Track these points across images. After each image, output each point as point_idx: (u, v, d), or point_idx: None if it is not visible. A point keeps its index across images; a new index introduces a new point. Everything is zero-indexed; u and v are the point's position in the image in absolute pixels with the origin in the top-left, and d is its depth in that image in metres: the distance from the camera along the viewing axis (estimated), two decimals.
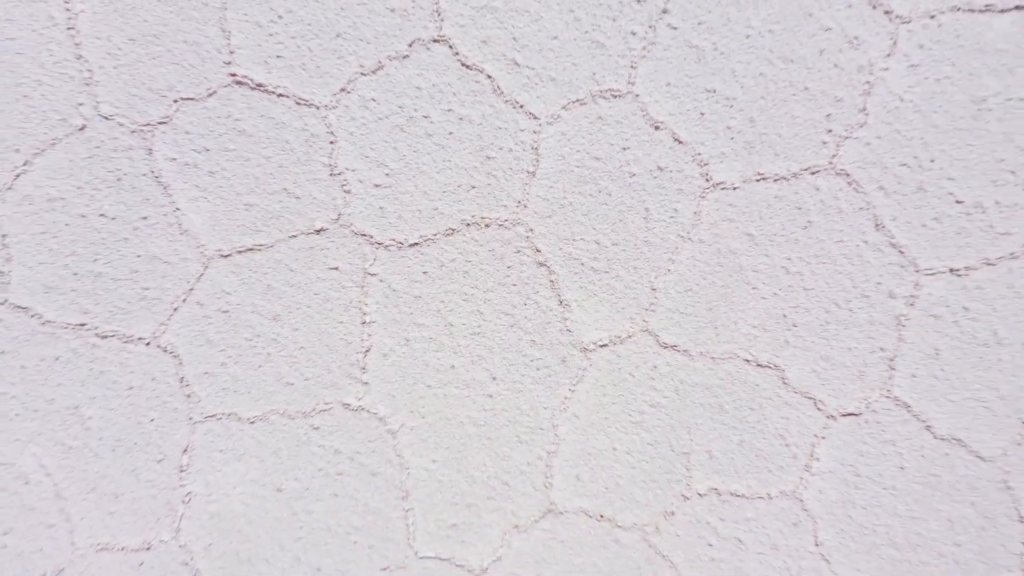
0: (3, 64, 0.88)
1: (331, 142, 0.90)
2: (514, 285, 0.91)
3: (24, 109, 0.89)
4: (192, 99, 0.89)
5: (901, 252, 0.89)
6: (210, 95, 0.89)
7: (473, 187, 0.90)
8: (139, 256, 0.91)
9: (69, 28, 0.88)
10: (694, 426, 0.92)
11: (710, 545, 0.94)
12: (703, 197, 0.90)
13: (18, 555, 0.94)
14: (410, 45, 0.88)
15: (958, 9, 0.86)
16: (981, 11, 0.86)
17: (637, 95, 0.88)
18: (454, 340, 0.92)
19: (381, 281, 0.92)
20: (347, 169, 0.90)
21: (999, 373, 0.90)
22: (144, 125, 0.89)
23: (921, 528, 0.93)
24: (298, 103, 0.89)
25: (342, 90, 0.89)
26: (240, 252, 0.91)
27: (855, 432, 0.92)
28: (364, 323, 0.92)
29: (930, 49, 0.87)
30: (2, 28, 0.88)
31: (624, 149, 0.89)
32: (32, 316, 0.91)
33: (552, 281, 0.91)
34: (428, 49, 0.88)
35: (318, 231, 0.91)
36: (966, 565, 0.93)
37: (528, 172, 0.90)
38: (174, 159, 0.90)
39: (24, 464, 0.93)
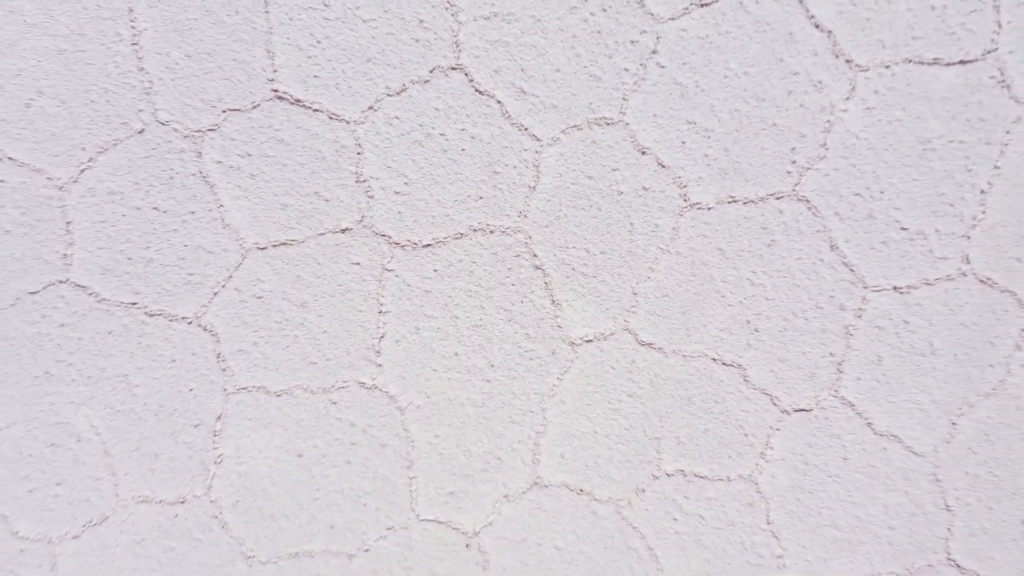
0: (74, 73, 1.01)
1: (358, 153, 1.03)
2: (513, 285, 1.04)
3: (91, 113, 1.02)
4: (238, 110, 1.02)
5: (852, 270, 1.02)
6: (254, 107, 1.02)
7: (480, 197, 1.03)
8: (186, 246, 1.04)
9: (133, 44, 1.01)
10: (665, 415, 1.06)
11: (675, 519, 1.07)
12: (681, 215, 1.02)
13: (68, 503, 1.07)
14: (431, 71, 1.01)
15: (910, 61, 0.99)
16: (929, 64, 0.99)
17: (627, 124, 1.01)
18: (458, 331, 1.05)
19: (397, 276, 1.04)
20: (371, 177, 1.03)
21: (933, 379, 1.03)
22: (195, 131, 1.02)
23: (860, 512, 1.06)
24: (331, 118, 1.02)
25: (370, 108, 1.02)
26: (275, 246, 1.04)
27: (805, 426, 1.05)
28: (380, 312, 1.05)
29: (884, 95, 0.99)
30: (75, 42, 1.01)
31: (614, 170, 1.02)
32: (90, 294, 1.04)
33: (546, 283, 1.04)
34: (446, 76, 1.01)
35: (343, 230, 1.04)
36: (898, 546, 1.06)
37: (529, 187, 1.03)
38: (220, 162, 1.02)
39: (77, 424, 1.06)
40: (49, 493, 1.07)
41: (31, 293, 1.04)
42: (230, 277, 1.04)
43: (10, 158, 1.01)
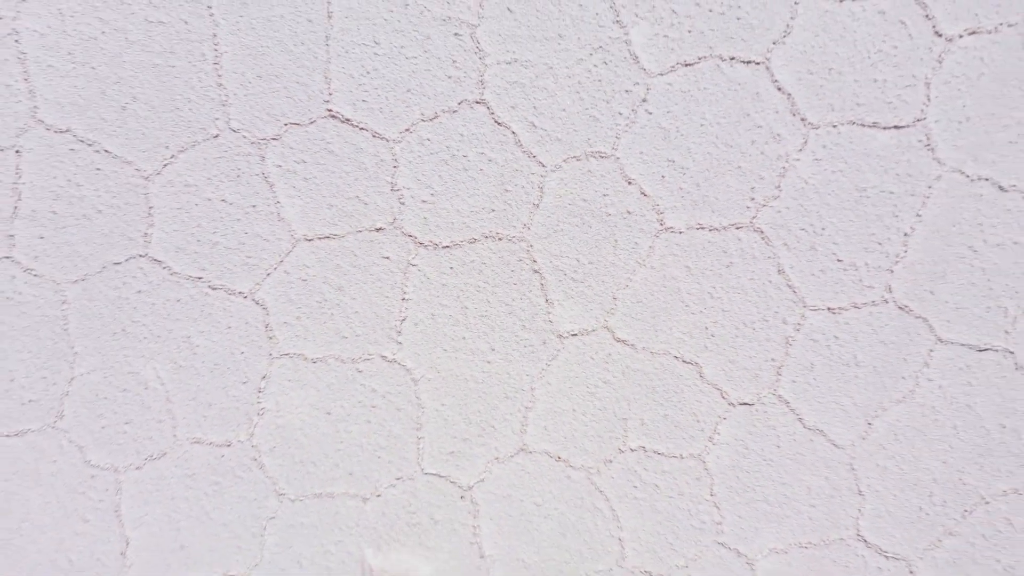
0: (164, 84, 1.22)
1: (394, 166, 1.24)
2: (514, 284, 1.26)
3: (176, 118, 1.23)
4: (297, 124, 1.23)
5: (794, 291, 1.24)
6: (311, 123, 1.23)
7: (493, 210, 1.24)
8: (246, 233, 1.25)
9: (215, 63, 1.22)
10: (632, 400, 1.27)
11: (635, 487, 1.29)
12: (657, 236, 1.24)
13: (134, 439, 1.29)
14: (459, 104, 1.22)
15: (853, 123, 1.20)
16: (869, 126, 1.20)
17: (618, 158, 1.22)
18: (467, 319, 1.27)
19: (419, 270, 1.26)
20: (403, 187, 1.24)
21: (855, 386, 1.25)
22: (261, 139, 1.23)
23: (787, 491, 1.28)
24: (373, 136, 1.23)
25: (406, 130, 1.23)
26: (320, 238, 1.25)
27: (748, 417, 1.27)
28: (403, 299, 1.26)
29: (830, 149, 1.20)
30: (167, 58, 1.21)
31: (604, 195, 1.23)
32: (164, 268, 1.25)
33: (542, 284, 1.26)
34: (472, 108, 1.22)
35: (377, 229, 1.25)
36: (816, 521, 1.28)
37: (534, 204, 1.24)
38: (280, 166, 1.24)
39: (146, 374, 1.27)
40: (119, 430, 1.28)
41: (115, 264, 1.25)
42: (281, 262, 1.25)
43: (106, 151, 1.22)
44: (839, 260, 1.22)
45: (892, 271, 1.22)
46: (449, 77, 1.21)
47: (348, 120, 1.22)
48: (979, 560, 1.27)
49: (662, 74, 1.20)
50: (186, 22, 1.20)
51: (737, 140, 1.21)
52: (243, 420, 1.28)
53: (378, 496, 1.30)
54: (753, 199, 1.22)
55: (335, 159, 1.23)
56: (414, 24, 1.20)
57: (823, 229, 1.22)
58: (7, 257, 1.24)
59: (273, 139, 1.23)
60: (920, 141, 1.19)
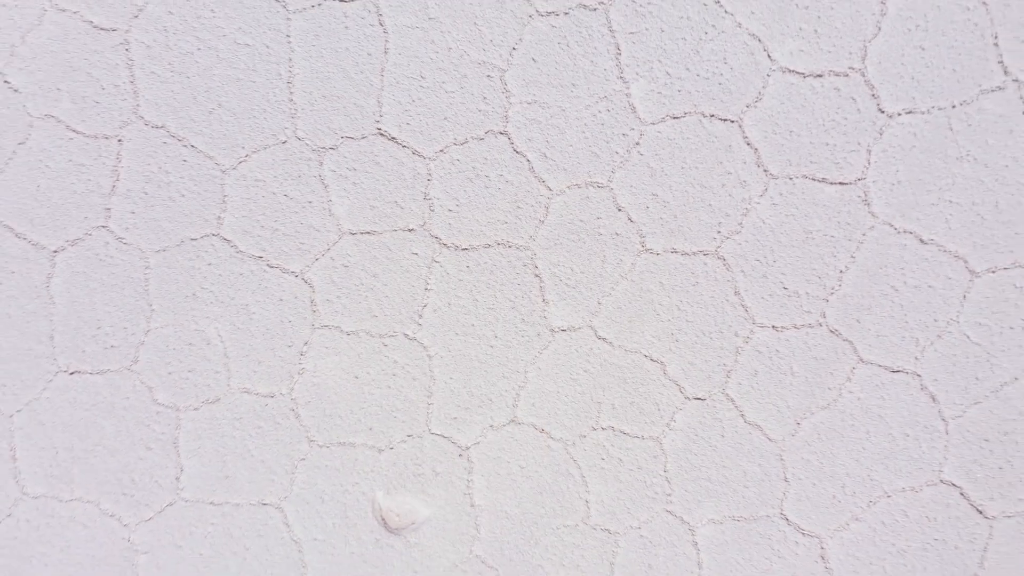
0: (245, 95, 1.48)
1: (428, 180, 1.50)
2: (518, 285, 1.52)
3: (252, 125, 1.49)
4: (352, 138, 1.49)
5: (746, 310, 1.51)
6: (363, 138, 1.49)
7: (505, 223, 1.51)
8: (302, 224, 1.51)
9: (288, 82, 1.48)
10: (607, 388, 1.55)
11: (602, 459, 1.56)
12: (638, 256, 1.51)
13: (194, 385, 1.56)
14: (485, 133, 1.48)
15: (806, 177, 1.46)
16: (819, 181, 1.46)
17: (611, 188, 1.49)
18: (477, 309, 1.54)
19: (441, 267, 1.53)
20: (434, 197, 1.51)
21: (789, 391, 1.52)
22: (321, 148, 1.49)
23: (727, 473, 1.55)
24: (413, 153, 1.49)
25: (440, 151, 1.49)
26: (362, 233, 1.52)
27: (699, 409, 1.54)
28: (426, 289, 1.53)
29: (786, 196, 1.47)
30: (248, 74, 1.47)
31: (598, 218, 1.50)
32: (231, 246, 1.52)
33: (541, 287, 1.52)
34: (496, 137, 1.48)
35: (410, 230, 1.51)
36: (748, 500, 1.56)
37: (539, 220, 1.51)
38: (334, 171, 1.50)
39: (209, 333, 1.54)
40: (182, 376, 1.55)
41: (192, 239, 1.51)
42: (328, 249, 1.52)
43: (192, 146, 1.49)
44: (785, 288, 1.49)
45: (827, 300, 1.49)
46: (479, 110, 1.48)
47: (394, 138, 1.49)
48: (878, 543, 1.55)
49: (654, 123, 1.46)
50: (268, 46, 1.46)
51: (710, 183, 1.47)
52: (285, 377, 1.55)
53: (391, 449, 1.57)
54: (719, 232, 1.49)
55: (380, 169, 1.50)
56: (455, 64, 1.46)
57: (774, 261, 1.49)
58: (103, 227, 1.50)
59: (331, 149, 1.49)
60: (859, 197, 1.46)
